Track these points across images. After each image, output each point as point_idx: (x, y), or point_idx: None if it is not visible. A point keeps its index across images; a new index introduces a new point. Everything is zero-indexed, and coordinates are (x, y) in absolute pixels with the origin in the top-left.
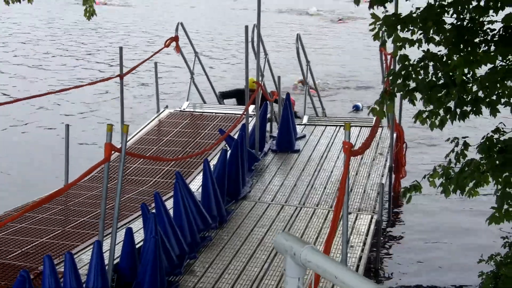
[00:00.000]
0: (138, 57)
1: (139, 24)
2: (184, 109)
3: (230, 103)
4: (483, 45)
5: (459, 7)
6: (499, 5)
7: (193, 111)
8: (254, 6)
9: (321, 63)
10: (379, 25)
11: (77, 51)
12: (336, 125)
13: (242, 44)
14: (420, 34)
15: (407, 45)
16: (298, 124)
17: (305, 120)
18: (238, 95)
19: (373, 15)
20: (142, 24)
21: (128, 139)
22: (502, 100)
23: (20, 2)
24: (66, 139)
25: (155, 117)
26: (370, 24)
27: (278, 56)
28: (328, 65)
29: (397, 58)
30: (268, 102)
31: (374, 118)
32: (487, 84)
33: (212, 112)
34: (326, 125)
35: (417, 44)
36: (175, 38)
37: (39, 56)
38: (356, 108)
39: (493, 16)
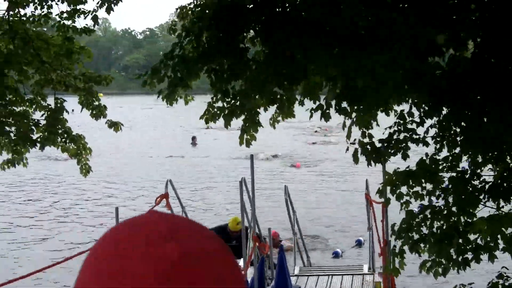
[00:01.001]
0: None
1: (126, 179)
2: None
3: None
4: (478, 193)
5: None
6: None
7: None
8: (207, 153)
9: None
10: (385, 182)
11: (61, 214)
12: (328, 275)
13: (227, 196)
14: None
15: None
16: (291, 276)
17: (296, 271)
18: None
19: (386, 173)
20: (129, 179)
21: None
22: (500, 246)
23: (15, 166)
24: None
25: None
26: (385, 183)
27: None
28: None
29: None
30: (264, 256)
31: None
32: (486, 233)
33: None
34: (318, 275)
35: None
36: (165, 195)
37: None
38: (336, 255)
39: (491, 169)
